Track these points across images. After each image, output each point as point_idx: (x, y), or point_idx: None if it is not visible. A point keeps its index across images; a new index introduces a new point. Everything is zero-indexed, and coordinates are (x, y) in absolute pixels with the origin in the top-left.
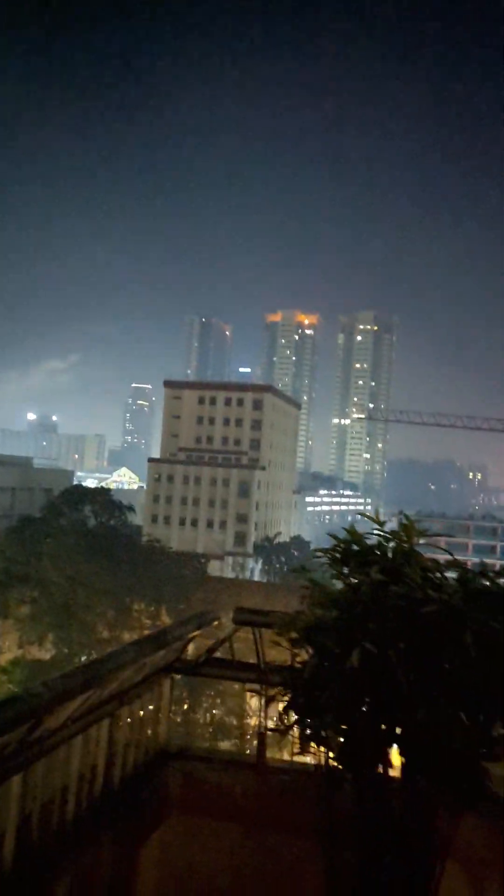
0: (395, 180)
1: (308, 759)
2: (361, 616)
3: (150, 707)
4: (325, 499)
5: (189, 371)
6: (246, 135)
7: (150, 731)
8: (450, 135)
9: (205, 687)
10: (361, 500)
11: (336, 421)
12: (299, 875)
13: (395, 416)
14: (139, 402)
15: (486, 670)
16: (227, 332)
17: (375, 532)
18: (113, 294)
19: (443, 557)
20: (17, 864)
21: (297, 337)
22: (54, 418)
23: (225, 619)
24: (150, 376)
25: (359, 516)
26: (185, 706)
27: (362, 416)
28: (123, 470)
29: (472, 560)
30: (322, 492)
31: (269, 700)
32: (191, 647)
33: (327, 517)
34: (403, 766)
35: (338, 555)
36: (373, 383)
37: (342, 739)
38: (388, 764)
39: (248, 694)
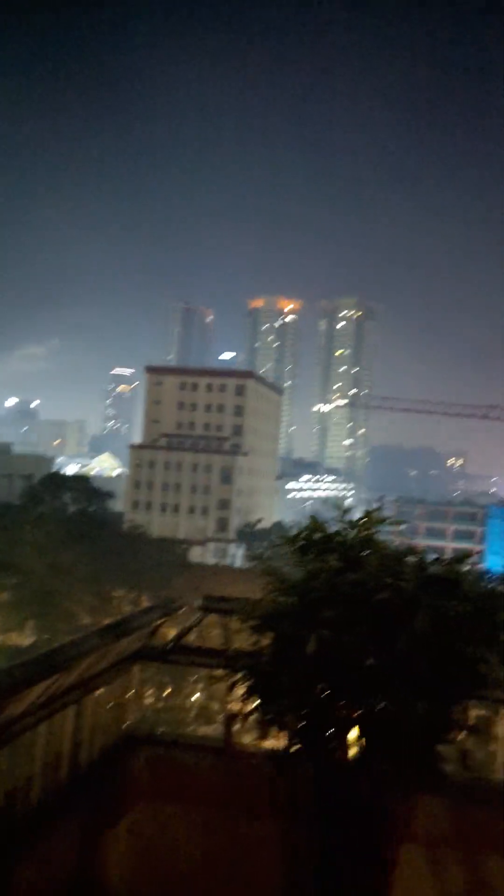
0: (378, 166)
1: (275, 742)
2: (319, 603)
3: (118, 694)
4: (307, 485)
5: (171, 357)
6: (229, 120)
7: (117, 717)
8: (431, 122)
9: (188, 672)
10: (343, 486)
11: (318, 407)
12: (263, 856)
13: (377, 403)
14: (121, 387)
15: (439, 654)
16: (209, 318)
17: (337, 520)
18: (93, 279)
19: (402, 540)
20: None
21: (279, 323)
22: (34, 404)
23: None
24: (132, 362)
25: (333, 504)
26: (169, 691)
27: (344, 402)
28: (105, 456)
29: (451, 545)
30: (304, 478)
31: (234, 685)
32: (171, 634)
33: (309, 503)
34: (362, 748)
35: (300, 542)
36: (355, 369)
37: (302, 723)
38: (346, 747)
39: (217, 675)
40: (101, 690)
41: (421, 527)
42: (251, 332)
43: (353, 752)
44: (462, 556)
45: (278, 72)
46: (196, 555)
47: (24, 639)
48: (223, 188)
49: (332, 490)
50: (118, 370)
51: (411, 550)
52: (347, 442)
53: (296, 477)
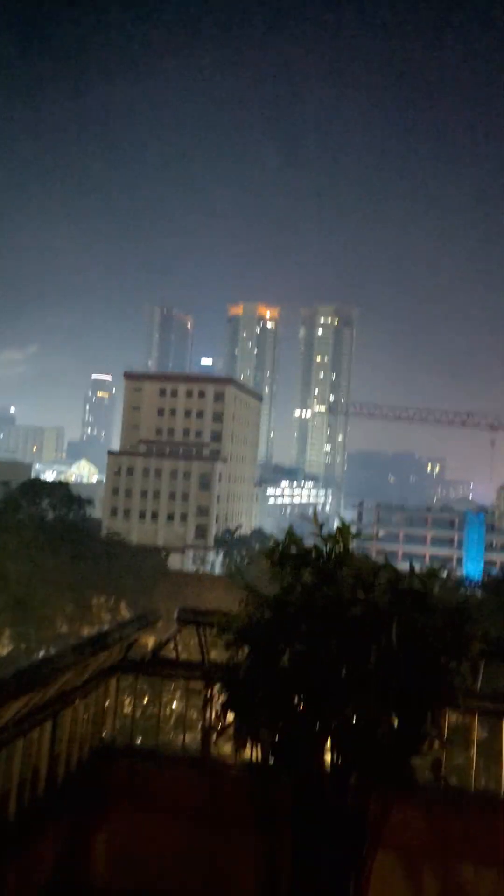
0: (356, 175)
1: (253, 753)
2: (294, 617)
3: (95, 707)
4: (287, 491)
5: (150, 362)
6: (210, 129)
7: (94, 730)
8: (409, 131)
9: (152, 680)
10: (322, 492)
11: (297, 413)
12: (241, 865)
13: (356, 409)
14: (99, 393)
15: (411, 666)
16: (189, 324)
17: (314, 534)
18: (72, 284)
19: (380, 547)
20: None
21: (258, 329)
22: (12, 410)
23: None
24: (111, 367)
25: (319, 515)
26: (125, 701)
27: (323, 408)
28: (83, 462)
29: (430, 551)
30: (283, 484)
31: (211, 698)
32: (150, 644)
33: (288, 509)
34: (337, 759)
35: (276, 557)
36: (333, 376)
37: (277, 735)
38: (322, 759)
39: (194, 687)
40: (79, 703)
41: (400, 533)
42: (231, 339)
43: (328, 763)
44: (433, 571)
45: (258, 83)
46: (175, 562)
47: (0, 648)
48: (204, 196)
49: (311, 496)
50: (97, 376)
51: (385, 565)
52: (327, 448)
53: (275, 483)
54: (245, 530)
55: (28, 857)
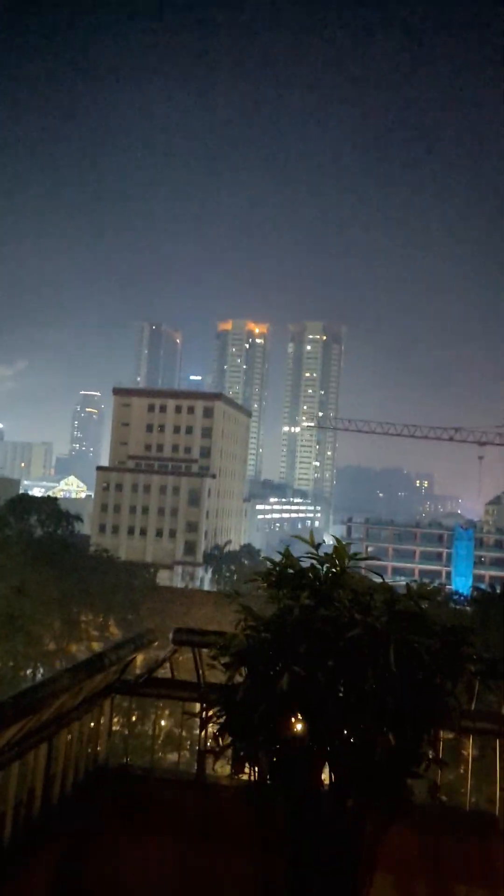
0: (345, 193)
1: (249, 774)
2: (291, 639)
3: (90, 728)
4: (276, 506)
5: (139, 378)
6: (198, 144)
7: (90, 751)
8: (397, 149)
9: (139, 703)
10: (311, 508)
11: (286, 429)
12: (237, 888)
13: (344, 425)
14: (88, 409)
15: (408, 687)
16: (178, 340)
17: (309, 555)
18: (61, 300)
19: (375, 563)
20: None
21: (247, 345)
22: (0, 426)
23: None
24: (100, 383)
25: (308, 531)
26: (119, 722)
27: (312, 424)
28: (71, 478)
29: (419, 567)
30: (272, 499)
31: (208, 720)
32: (139, 661)
33: (277, 525)
34: (333, 782)
35: (273, 578)
36: (322, 392)
37: (274, 759)
38: (319, 781)
39: (184, 709)
40: (74, 725)
41: (389, 548)
42: (220, 355)
43: (325, 784)
44: (430, 592)
45: (246, 102)
46: (164, 578)
47: None
48: (193, 212)
49: (300, 512)
50: (86, 392)
51: (381, 585)
52: (315, 464)
53: (264, 499)
54: (234, 546)
55: (23, 879)
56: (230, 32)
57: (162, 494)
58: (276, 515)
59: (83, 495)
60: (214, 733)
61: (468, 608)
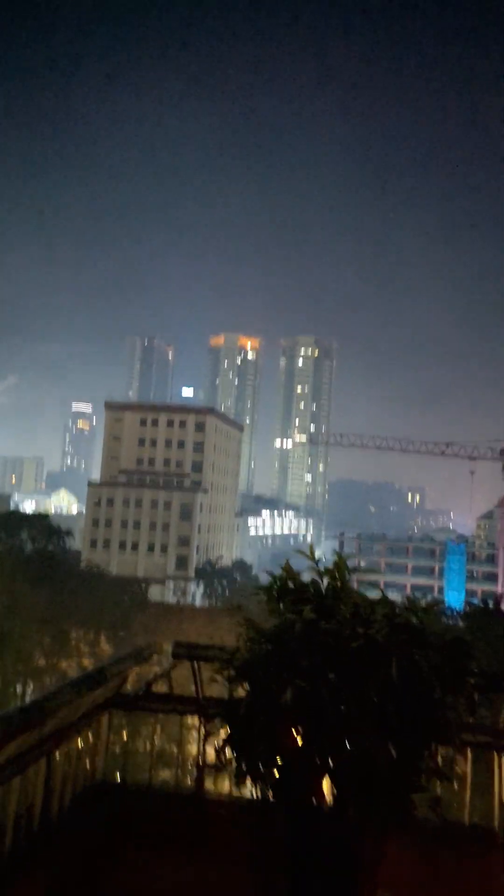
0: (336, 208)
1: (246, 791)
2: (294, 653)
3: (89, 742)
4: (268, 521)
5: (131, 392)
6: (189, 159)
7: (88, 766)
8: (388, 163)
9: (138, 717)
10: (303, 522)
11: (278, 443)
12: None
13: (336, 439)
14: (79, 423)
15: (409, 700)
16: (170, 354)
17: (310, 569)
18: (53, 313)
19: (374, 578)
20: None
21: (239, 360)
22: None
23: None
24: (91, 398)
25: (300, 545)
26: (117, 737)
27: (303, 438)
28: (62, 493)
29: (411, 581)
30: (264, 514)
31: (208, 734)
32: (131, 678)
33: (269, 540)
34: (334, 796)
35: (274, 592)
36: (313, 406)
37: (276, 773)
38: (321, 795)
39: (183, 723)
40: (73, 740)
41: (381, 562)
42: (212, 369)
43: (326, 799)
44: (431, 604)
45: (239, 117)
46: (155, 593)
47: None
48: (185, 228)
49: (292, 526)
50: (77, 406)
51: (382, 599)
52: (307, 478)
53: (256, 513)
54: (226, 561)
55: (22, 893)
56: (223, 54)
57: (153, 509)
58: (269, 530)
59: (74, 510)
60: (216, 747)
61: (461, 623)
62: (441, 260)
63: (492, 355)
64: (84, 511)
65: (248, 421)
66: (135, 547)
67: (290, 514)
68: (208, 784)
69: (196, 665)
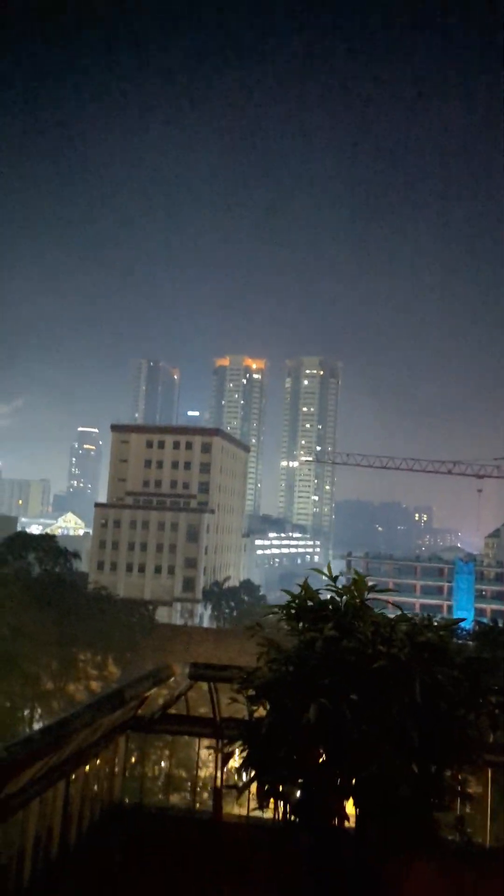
0: (340, 229)
1: (264, 813)
2: (316, 671)
3: (106, 764)
4: (275, 541)
5: (137, 415)
6: (194, 181)
7: (105, 789)
8: (392, 185)
9: (154, 739)
10: (310, 543)
11: (284, 463)
12: None
13: (342, 459)
14: (86, 445)
15: (431, 719)
16: (175, 376)
17: (328, 588)
18: (59, 337)
19: (392, 599)
20: None
21: (244, 381)
22: None
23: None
24: (97, 420)
25: (307, 566)
26: (133, 759)
27: (310, 458)
28: (69, 515)
29: (420, 601)
30: (271, 534)
31: (228, 756)
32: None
33: (277, 560)
34: (357, 816)
35: (293, 611)
36: (319, 426)
37: (299, 793)
38: (344, 815)
39: (200, 745)
40: (92, 762)
41: (390, 583)
42: (217, 390)
43: (348, 819)
44: (450, 623)
45: (242, 141)
46: (163, 615)
47: None
48: (189, 250)
49: (299, 547)
50: (83, 428)
51: (401, 617)
52: (314, 498)
53: (263, 534)
54: (233, 582)
55: None
56: (230, 79)
57: (160, 531)
58: (276, 550)
59: (81, 532)
60: (236, 769)
61: (470, 642)
62: (445, 279)
63: (497, 373)
64: (91, 533)
65: (254, 441)
66: (142, 569)
67: (297, 534)
68: (226, 806)
69: (213, 686)
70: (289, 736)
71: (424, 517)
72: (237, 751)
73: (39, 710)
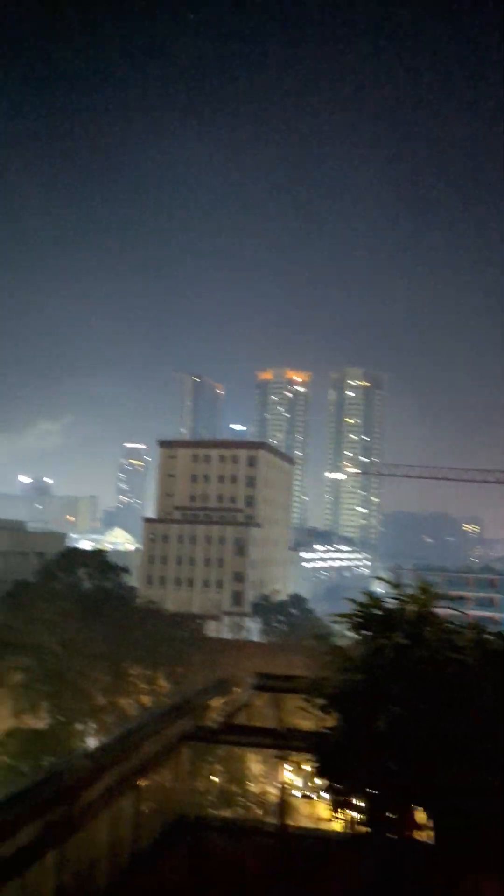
0: (382, 239)
1: (330, 824)
2: (386, 679)
3: (170, 775)
4: (322, 554)
5: (182, 429)
6: (235, 199)
7: (169, 801)
8: (433, 195)
9: (209, 751)
10: (358, 555)
11: (330, 475)
12: None
13: (388, 470)
14: (133, 461)
15: None
16: (220, 391)
17: (393, 596)
18: (105, 354)
19: (447, 610)
20: None
21: (288, 394)
22: (48, 480)
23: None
24: (143, 435)
25: (355, 578)
26: (204, 767)
27: (356, 470)
28: (117, 531)
29: (473, 613)
30: (318, 547)
31: (292, 766)
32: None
33: (324, 573)
34: (432, 827)
35: (359, 619)
36: (365, 438)
37: (371, 802)
38: (415, 827)
39: (253, 759)
40: (157, 772)
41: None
42: (261, 403)
43: (421, 832)
44: None
45: (283, 149)
46: (211, 629)
47: (38, 721)
48: (232, 264)
49: (347, 559)
50: (131, 444)
51: (471, 625)
52: (361, 510)
53: (310, 546)
54: (281, 595)
55: None
56: (268, 91)
57: (208, 545)
58: (323, 563)
59: (131, 548)
60: (305, 778)
61: None
62: (490, 286)
63: None
64: (140, 548)
65: (299, 454)
66: (190, 583)
67: (345, 546)
68: (292, 818)
69: (277, 696)
70: (360, 744)
71: (475, 528)
72: (303, 762)
73: (94, 725)
